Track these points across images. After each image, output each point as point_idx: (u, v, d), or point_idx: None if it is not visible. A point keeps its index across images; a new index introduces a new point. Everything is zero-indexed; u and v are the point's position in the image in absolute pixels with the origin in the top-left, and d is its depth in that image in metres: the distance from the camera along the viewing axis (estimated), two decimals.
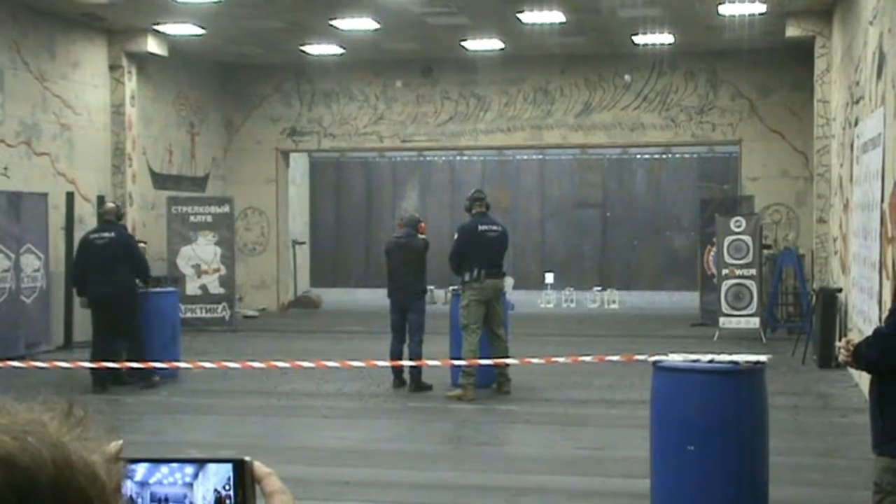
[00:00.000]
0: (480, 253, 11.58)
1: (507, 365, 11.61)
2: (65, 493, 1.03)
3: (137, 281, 12.32)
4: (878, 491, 4.62)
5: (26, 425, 1.06)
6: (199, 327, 17.89)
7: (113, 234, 12.15)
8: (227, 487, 1.24)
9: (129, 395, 11.70)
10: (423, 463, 8.68)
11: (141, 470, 1.24)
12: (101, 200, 17.27)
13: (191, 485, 1.24)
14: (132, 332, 12.04)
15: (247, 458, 1.26)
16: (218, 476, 1.24)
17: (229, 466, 1.25)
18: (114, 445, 1.15)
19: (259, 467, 1.27)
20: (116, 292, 11.95)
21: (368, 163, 27.27)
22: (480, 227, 11.74)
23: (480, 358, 11.32)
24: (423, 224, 12.55)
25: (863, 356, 4.67)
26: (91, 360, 11.87)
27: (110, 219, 12.40)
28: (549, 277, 23.84)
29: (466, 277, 11.56)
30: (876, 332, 4.82)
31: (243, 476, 1.25)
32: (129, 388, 12.10)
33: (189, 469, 1.24)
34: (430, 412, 10.87)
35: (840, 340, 5.02)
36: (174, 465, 1.25)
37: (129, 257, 12.16)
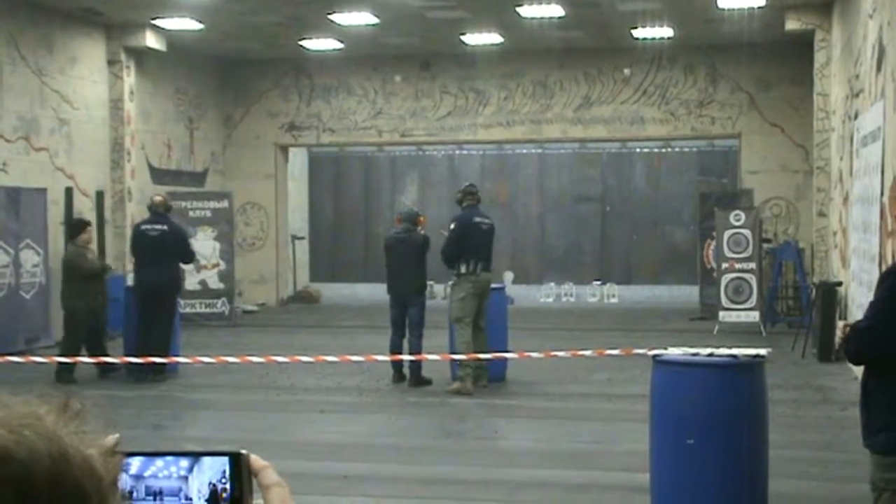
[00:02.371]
0: (476, 246, 11.57)
1: (490, 360, 11.55)
2: (61, 487, 1.03)
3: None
4: (875, 489, 4.57)
5: (23, 419, 1.05)
6: (198, 322, 17.89)
7: (165, 227, 12.53)
8: (222, 480, 1.24)
9: (129, 390, 11.70)
10: (422, 457, 8.69)
11: (136, 463, 1.23)
12: (99, 195, 17.28)
13: (186, 478, 1.24)
14: (169, 323, 12.32)
15: (243, 451, 1.25)
16: (213, 469, 1.24)
17: (225, 459, 1.24)
18: (111, 439, 1.14)
19: (256, 460, 1.26)
20: (166, 282, 12.37)
21: (367, 157, 27.21)
22: (475, 220, 11.74)
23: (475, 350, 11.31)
24: (422, 218, 12.53)
25: (847, 349, 4.63)
26: (128, 352, 11.93)
27: (160, 211, 12.70)
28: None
29: (462, 270, 11.52)
30: (854, 325, 4.73)
31: (240, 469, 1.24)
32: (139, 380, 12.14)
33: (184, 462, 1.24)
34: (430, 406, 10.86)
35: (842, 327, 4.93)
36: (169, 458, 1.24)
37: (180, 249, 12.62)
